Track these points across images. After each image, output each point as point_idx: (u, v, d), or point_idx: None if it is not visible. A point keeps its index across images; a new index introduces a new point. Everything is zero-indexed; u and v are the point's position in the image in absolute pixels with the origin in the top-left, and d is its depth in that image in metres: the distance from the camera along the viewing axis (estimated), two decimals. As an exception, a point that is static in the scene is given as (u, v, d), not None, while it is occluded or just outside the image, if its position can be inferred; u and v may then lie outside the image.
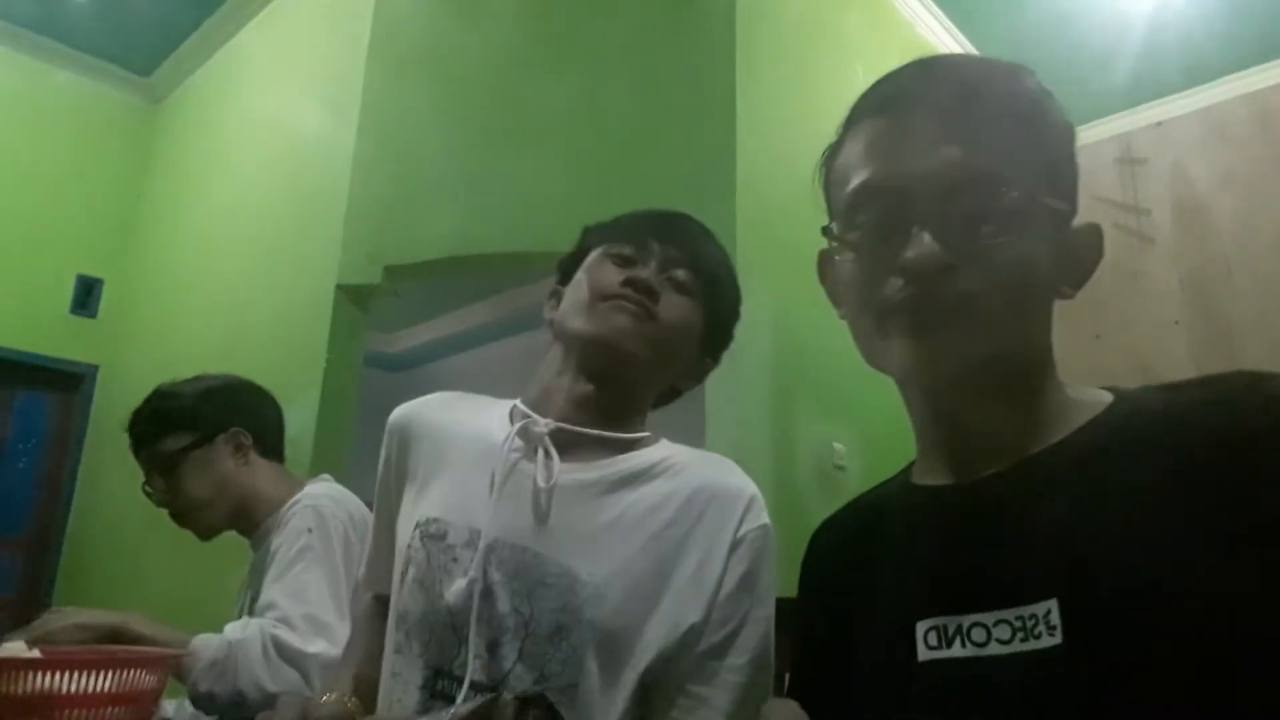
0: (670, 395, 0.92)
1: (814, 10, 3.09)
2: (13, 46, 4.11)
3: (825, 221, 0.63)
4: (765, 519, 0.78)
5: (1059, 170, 0.59)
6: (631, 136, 2.59)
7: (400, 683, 0.74)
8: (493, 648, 0.70)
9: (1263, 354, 3.31)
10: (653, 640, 0.71)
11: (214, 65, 4.12)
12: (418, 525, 0.78)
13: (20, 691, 0.78)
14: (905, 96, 0.59)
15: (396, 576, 0.79)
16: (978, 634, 0.53)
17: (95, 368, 4.21)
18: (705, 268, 0.87)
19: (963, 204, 0.55)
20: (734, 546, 0.75)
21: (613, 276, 0.82)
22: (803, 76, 2.85)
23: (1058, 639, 0.49)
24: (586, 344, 0.81)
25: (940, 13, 3.67)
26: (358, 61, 2.96)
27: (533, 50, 2.79)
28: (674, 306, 0.83)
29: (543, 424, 0.79)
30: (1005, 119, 0.57)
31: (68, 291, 4.17)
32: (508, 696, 0.54)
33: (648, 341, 0.80)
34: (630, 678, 0.70)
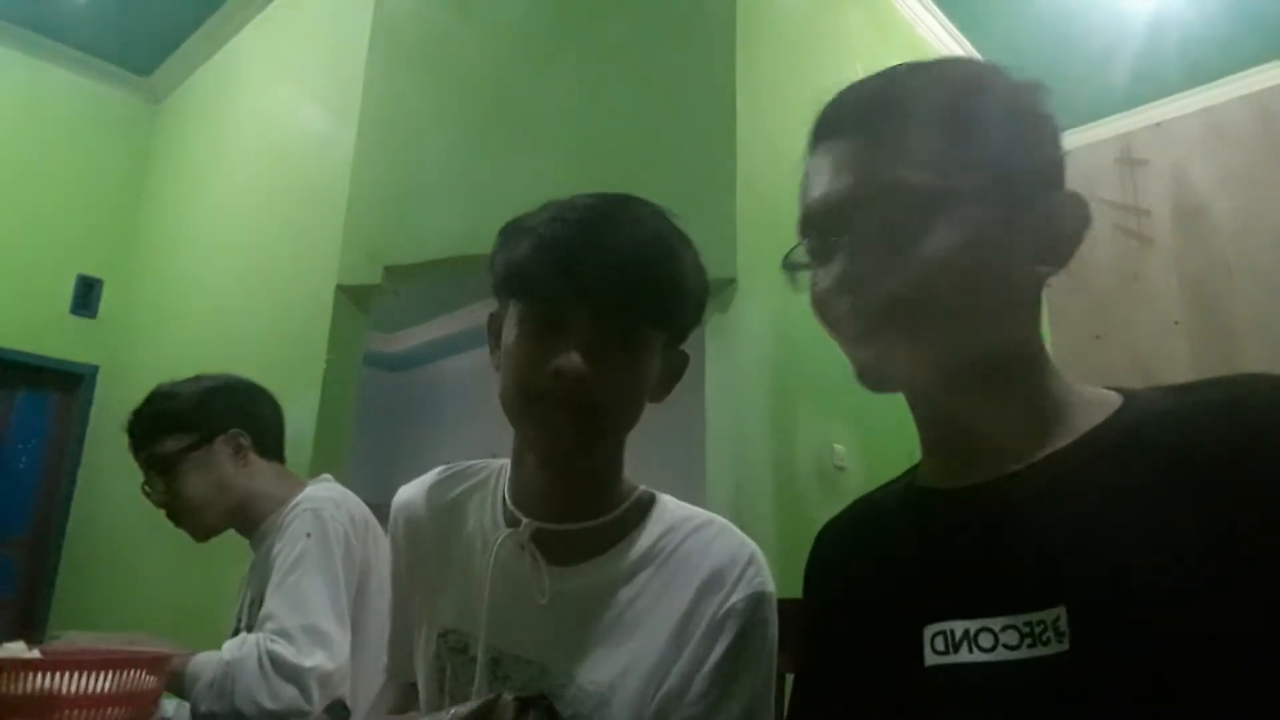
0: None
1: (814, 10, 3.09)
2: (13, 46, 4.11)
3: None
4: (758, 585, 0.72)
5: (1004, 152, 0.57)
6: (631, 136, 2.59)
7: None
8: None
9: (1263, 354, 3.31)
10: None
11: (214, 65, 4.12)
12: (440, 636, 0.78)
13: (20, 691, 0.78)
14: (825, 128, 0.62)
15: (434, 685, 0.78)
16: (985, 639, 0.52)
17: (95, 368, 4.21)
18: (650, 306, 0.72)
19: (876, 217, 0.56)
20: (722, 620, 0.71)
21: (536, 363, 0.69)
22: (803, 76, 2.85)
23: (1066, 645, 0.49)
24: (532, 447, 0.74)
25: (940, 13, 3.67)
26: (358, 61, 2.96)
27: (533, 49, 2.79)
28: (616, 381, 0.70)
29: (524, 527, 0.75)
30: (916, 120, 0.57)
31: (68, 291, 4.17)
32: (508, 697, 0.53)
33: (594, 434, 0.72)
34: None
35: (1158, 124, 4.00)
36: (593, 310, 0.69)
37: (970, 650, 0.53)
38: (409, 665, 0.83)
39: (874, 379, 0.59)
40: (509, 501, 0.79)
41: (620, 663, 0.70)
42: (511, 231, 0.75)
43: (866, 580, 0.64)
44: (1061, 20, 3.56)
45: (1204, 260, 3.60)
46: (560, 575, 0.74)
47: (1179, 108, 3.86)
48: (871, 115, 0.59)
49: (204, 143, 4.06)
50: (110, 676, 0.83)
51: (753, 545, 0.75)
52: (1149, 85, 3.81)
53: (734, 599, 0.71)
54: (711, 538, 0.75)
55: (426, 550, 0.83)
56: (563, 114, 2.67)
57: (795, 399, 2.53)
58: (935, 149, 0.56)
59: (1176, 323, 3.61)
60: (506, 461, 0.82)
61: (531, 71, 2.75)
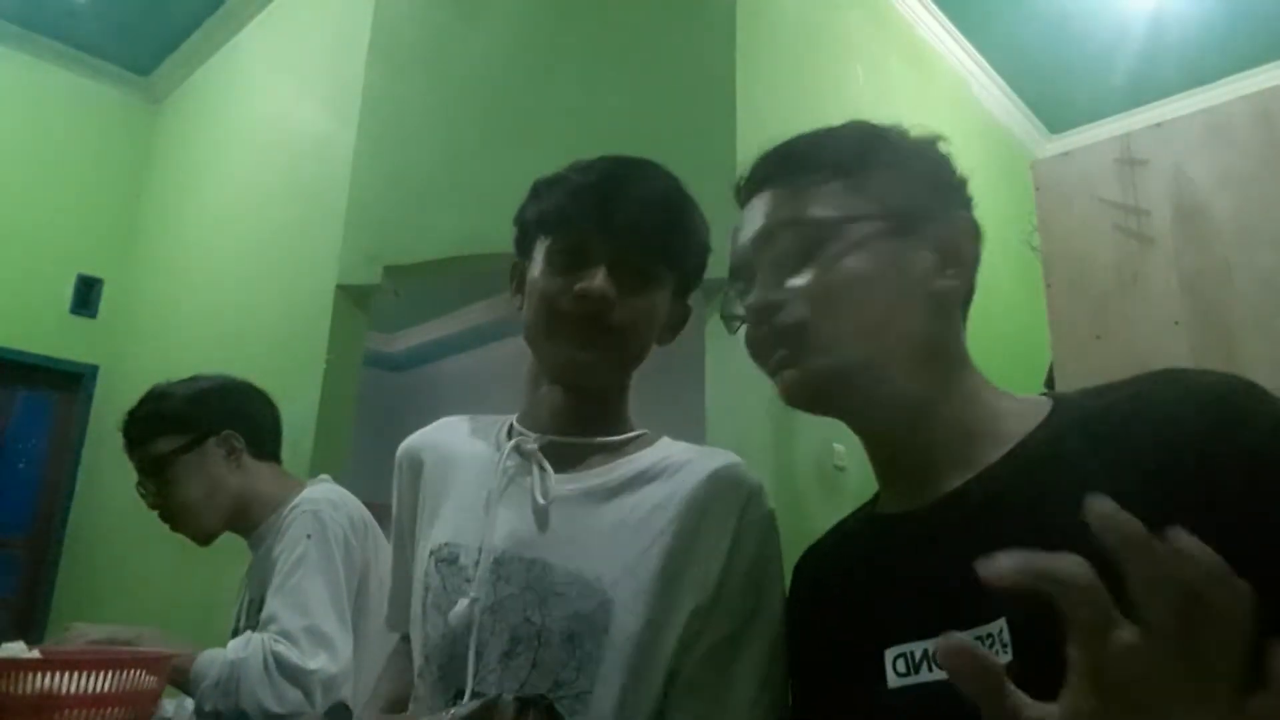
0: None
1: (814, 10, 3.09)
2: (12, 46, 4.11)
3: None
4: (768, 507, 0.76)
5: (893, 185, 0.63)
6: (631, 136, 2.59)
7: (424, 707, 0.74)
8: (508, 659, 0.70)
9: (1263, 354, 3.31)
10: (669, 639, 0.70)
11: (214, 65, 4.12)
12: (432, 553, 0.79)
13: (20, 691, 0.78)
14: (745, 188, 0.70)
15: (417, 605, 0.79)
16: None
17: (95, 368, 4.21)
18: (663, 245, 0.80)
19: (771, 253, 0.63)
20: (737, 535, 0.73)
21: (560, 288, 0.77)
22: (803, 76, 2.85)
23: (1010, 655, 0.50)
24: (550, 369, 0.81)
25: (940, 13, 3.67)
26: (358, 61, 2.96)
27: (533, 50, 2.79)
28: (632, 307, 0.77)
29: (533, 439, 0.79)
30: (816, 168, 0.64)
31: (68, 291, 4.17)
32: (508, 697, 0.53)
33: (610, 354, 0.78)
34: (654, 679, 0.69)
35: (1158, 124, 3.99)
36: (616, 244, 0.77)
37: (930, 669, 0.54)
38: (406, 615, 0.84)
39: (793, 398, 0.63)
40: (517, 426, 0.84)
41: (623, 561, 0.71)
42: (541, 186, 0.86)
43: (831, 606, 0.66)
44: (1061, 20, 3.56)
45: (1204, 260, 3.59)
46: (563, 480, 0.77)
47: (1179, 108, 3.86)
48: (777, 169, 0.67)
49: (204, 143, 4.06)
50: (110, 676, 0.83)
51: (756, 475, 0.78)
52: (1149, 85, 3.81)
53: (749, 516, 0.74)
54: (717, 458, 0.79)
55: (428, 483, 0.85)
56: (563, 114, 2.66)
57: (795, 399, 2.52)
58: (831, 190, 0.62)
59: (1176, 323, 3.61)
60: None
61: (531, 71, 2.75)
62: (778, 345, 0.62)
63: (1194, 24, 3.50)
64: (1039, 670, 0.47)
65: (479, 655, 0.71)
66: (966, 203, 0.65)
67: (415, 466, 0.87)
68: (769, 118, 2.63)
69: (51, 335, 4.09)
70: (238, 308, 3.33)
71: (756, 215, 0.66)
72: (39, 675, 0.79)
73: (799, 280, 0.61)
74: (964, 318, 0.66)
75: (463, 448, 0.86)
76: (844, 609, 0.64)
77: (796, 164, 0.66)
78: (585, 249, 0.78)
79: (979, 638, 0.51)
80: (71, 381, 4.19)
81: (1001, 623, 0.51)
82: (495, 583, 0.73)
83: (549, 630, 0.69)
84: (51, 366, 4.11)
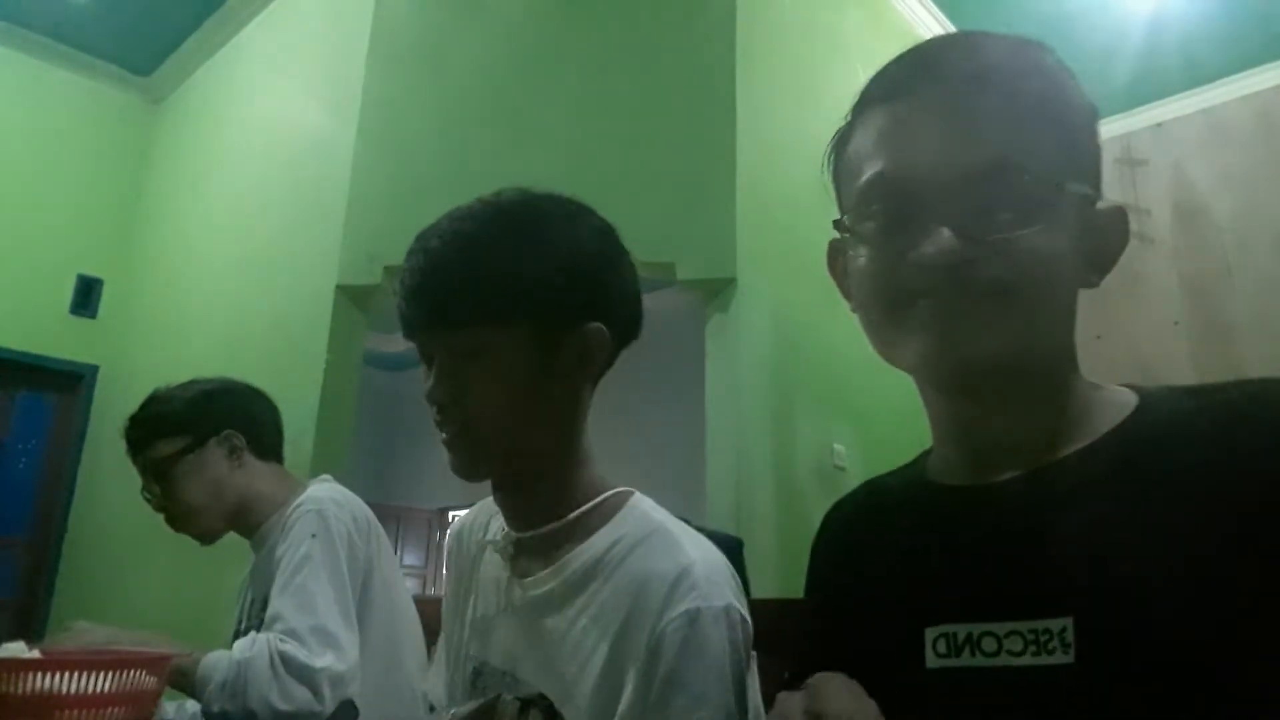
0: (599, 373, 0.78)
1: (814, 10, 3.09)
2: (13, 46, 4.11)
3: (825, 221, 0.63)
4: (696, 601, 0.63)
5: (1080, 153, 0.56)
6: (631, 137, 2.59)
7: None
8: None
9: (1263, 354, 3.31)
10: None
11: (214, 65, 4.12)
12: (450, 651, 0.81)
13: (20, 691, 0.78)
14: (916, 81, 0.57)
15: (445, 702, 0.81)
16: (988, 644, 0.51)
17: (95, 368, 4.20)
18: (457, 307, 0.71)
19: (980, 194, 0.52)
20: (652, 645, 0.63)
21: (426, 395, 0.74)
22: (803, 76, 2.85)
23: (1070, 658, 0.48)
24: None
25: (940, 13, 3.67)
26: (358, 61, 2.96)
27: (533, 50, 2.79)
28: (471, 384, 0.71)
29: (503, 537, 0.77)
30: (1021, 101, 0.54)
31: (68, 291, 4.17)
32: (508, 697, 0.53)
33: (475, 450, 0.72)
34: None
35: (1158, 124, 4.00)
36: (426, 337, 0.72)
37: (972, 654, 0.52)
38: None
39: (939, 364, 0.55)
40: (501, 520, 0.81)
41: (568, 677, 0.68)
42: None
43: (873, 575, 0.63)
44: (1061, 20, 3.56)
45: (1204, 260, 3.60)
46: (527, 584, 0.74)
47: (1179, 108, 3.86)
48: (977, 82, 0.55)
49: (204, 143, 4.05)
50: (110, 676, 0.82)
51: (689, 560, 0.66)
52: (1149, 85, 3.80)
53: (661, 624, 0.63)
54: (646, 554, 0.68)
55: (455, 576, 0.85)
56: (563, 114, 2.66)
57: (795, 399, 2.53)
58: (1038, 136, 0.53)
59: (1176, 323, 3.61)
60: None
61: (531, 72, 2.75)
62: (955, 305, 0.53)
63: (1194, 24, 3.49)
64: (1099, 676, 0.47)
65: None
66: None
67: (449, 557, 0.88)
68: (769, 118, 2.63)
69: (51, 335, 4.09)
70: (237, 308, 3.33)
71: (938, 134, 0.54)
72: (39, 675, 0.79)
73: (997, 239, 0.52)
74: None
75: (479, 544, 0.84)
76: (886, 578, 0.61)
77: (997, 83, 0.55)
78: (422, 350, 0.74)
79: (1035, 631, 0.49)
80: (71, 381, 4.19)
81: (1067, 621, 0.48)
82: (471, 693, 0.73)
83: None
84: (51, 366, 4.10)
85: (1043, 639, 0.49)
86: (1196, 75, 3.74)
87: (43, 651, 0.89)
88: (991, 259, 0.52)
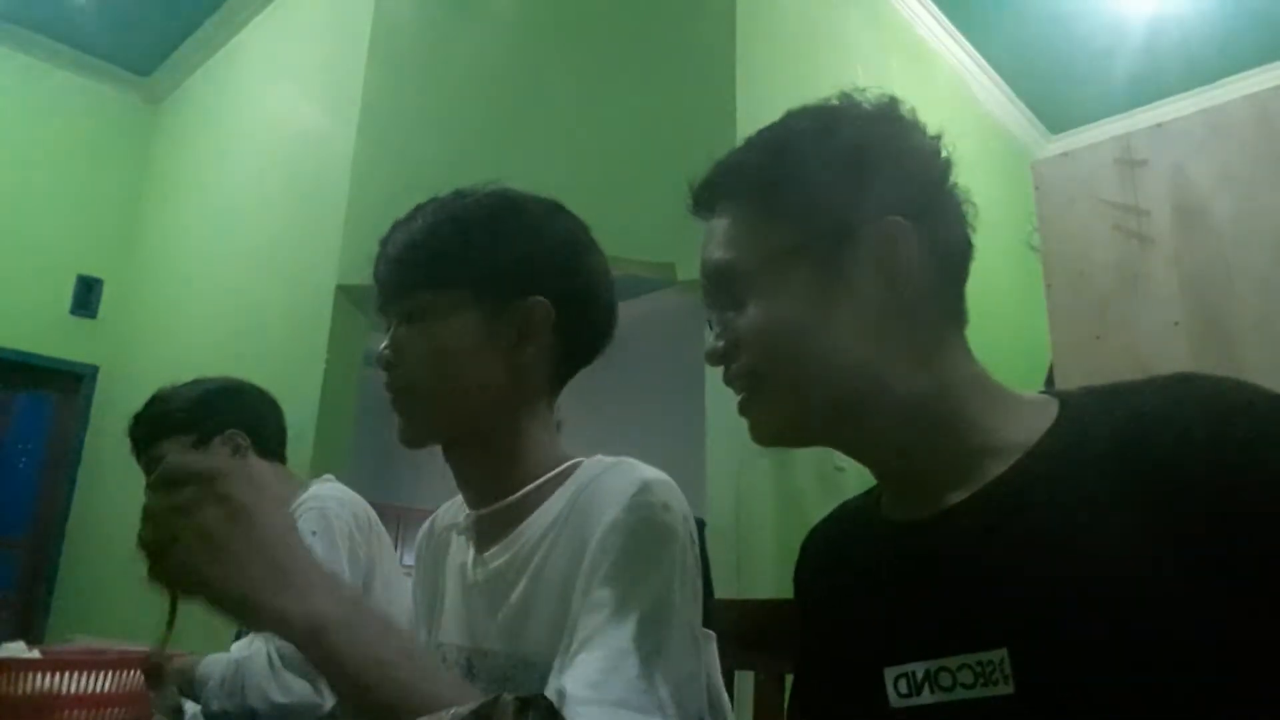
0: (572, 364, 0.79)
1: (814, 10, 3.09)
2: (13, 46, 4.11)
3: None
4: (653, 498, 0.65)
5: (811, 203, 0.58)
6: (631, 137, 2.59)
7: None
8: None
9: (1263, 354, 3.30)
10: None
11: (214, 65, 4.12)
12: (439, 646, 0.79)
13: (20, 691, 0.78)
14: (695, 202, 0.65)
15: None
16: (944, 679, 0.52)
17: (95, 368, 4.20)
18: (413, 275, 0.73)
19: (716, 295, 0.61)
20: (604, 534, 0.64)
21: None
22: (803, 76, 2.85)
23: (1011, 688, 0.48)
24: None
25: (940, 13, 3.67)
26: (358, 61, 2.96)
27: (533, 51, 2.79)
28: (414, 346, 0.72)
29: (464, 518, 0.77)
30: (737, 195, 0.61)
31: (68, 291, 4.17)
32: (508, 697, 0.53)
33: (413, 415, 0.73)
34: None
35: (1158, 124, 3.99)
36: (383, 306, 0.75)
37: (931, 691, 0.52)
38: None
39: (759, 439, 0.61)
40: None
41: (539, 631, 0.68)
42: None
43: (835, 607, 0.64)
44: (1061, 20, 3.56)
45: (1204, 260, 3.59)
46: (486, 559, 0.74)
47: (1179, 108, 3.86)
48: (706, 193, 0.63)
49: (204, 143, 4.05)
50: (110, 676, 0.83)
51: (648, 475, 0.68)
52: (1149, 85, 3.81)
53: (615, 513, 0.64)
54: (602, 480, 0.70)
55: (429, 564, 0.85)
56: (563, 114, 2.66)
57: (795, 399, 2.52)
58: (749, 220, 0.59)
59: (1176, 323, 3.60)
60: None
61: (531, 72, 2.75)
62: (738, 390, 0.60)
63: (1194, 24, 3.50)
64: (1039, 704, 0.47)
65: None
66: (902, 193, 0.58)
67: (419, 547, 0.88)
68: (769, 118, 2.63)
69: (51, 335, 4.08)
70: (238, 308, 3.33)
71: (707, 240, 0.63)
72: (39, 675, 0.79)
73: (736, 327, 0.58)
74: (954, 312, 0.59)
75: (444, 523, 0.85)
76: (845, 618, 0.62)
77: (721, 190, 0.63)
78: (385, 325, 0.76)
79: (980, 663, 0.50)
80: (71, 381, 4.19)
81: (1003, 652, 0.49)
82: (469, 680, 0.72)
83: None
84: (51, 366, 4.10)
85: (988, 669, 0.49)
86: (1196, 75, 3.75)
87: (43, 651, 0.89)
88: (735, 350, 0.59)
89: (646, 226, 2.02)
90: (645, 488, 0.66)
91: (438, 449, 0.77)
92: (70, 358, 4.15)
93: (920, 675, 0.53)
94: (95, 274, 4.25)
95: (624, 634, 0.59)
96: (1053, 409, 0.55)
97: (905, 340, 0.56)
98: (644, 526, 0.64)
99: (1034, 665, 0.48)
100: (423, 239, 0.74)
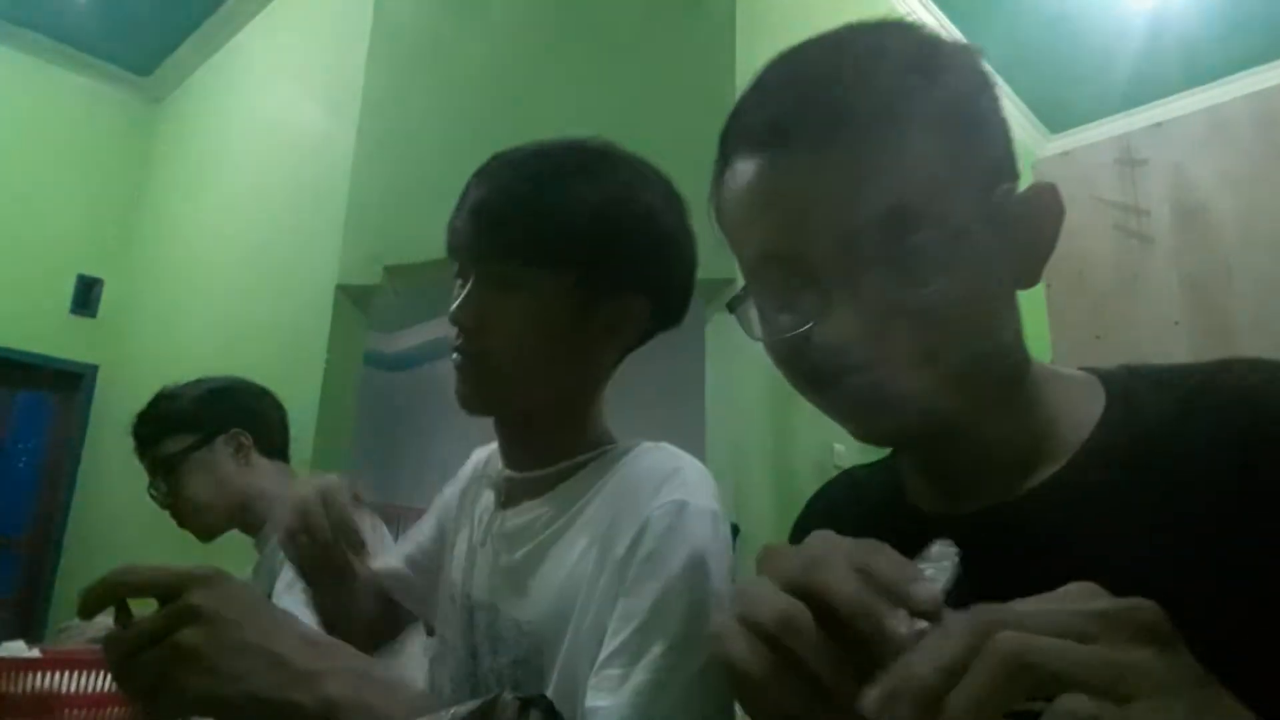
0: (640, 339, 0.76)
1: (814, 10, 3.09)
2: (13, 46, 4.11)
3: None
4: (686, 495, 0.62)
5: (985, 147, 0.49)
6: (631, 137, 2.58)
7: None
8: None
9: (1262, 354, 3.30)
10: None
11: (214, 65, 4.12)
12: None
13: (20, 691, 0.78)
14: (779, 129, 0.50)
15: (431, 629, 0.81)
16: None
17: (95, 367, 4.20)
18: (508, 241, 0.68)
19: (872, 255, 0.45)
20: (636, 533, 0.61)
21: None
22: (803, 76, 2.85)
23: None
24: None
25: (940, 12, 3.67)
26: (358, 61, 2.96)
27: (533, 50, 2.79)
28: (496, 314, 0.68)
29: (496, 474, 0.77)
30: (900, 125, 0.46)
31: (68, 291, 4.17)
32: (508, 696, 0.53)
33: (482, 384, 0.70)
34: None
35: (1158, 124, 3.99)
36: (470, 257, 0.70)
37: None
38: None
39: (882, 433, 0.52)
40: (495, 457, 0.81)
41: (548, 601, 0.66)
42: None
43: None
44: (1061, 20, 3.56)
45: (1204, 260, 3.60)
46: (507, 517, 0.73)
47: (1179, 108, 3.86)
48: (848, 114, 0.47)
49: (204, 143, 4.06)
50: (110, 676, 0.83)
51: (682, 463, 0.66)
52: (1149, 85, 3.81)
53: (648, 510, 0.62)
54: (637, 459, 0.68)
55: (458, 496, 0.85)
56: (563, 114, 2.66)
57: (795, 398, 2.50)
58: (929, 155, 0.46)
59: (1176, 323, 3.61)
60: None
61: (531, 71, 2.75)
62: (863, 387, 0.48)
63: (1194, 24, 3.50)
64: None
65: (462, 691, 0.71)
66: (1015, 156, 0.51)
67: (466, 472, 0.87)
68: (769, 117, 2.63)
69: (51, 335, 4.09)
70: (238, 308, 3.33)
71: (813, 193, 0.47)
72: (39, 675, 0.79)
73: (914, 300, 0.45)
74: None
75: (479, 470, 0.85)
76: None
77: (868, 115, 0.46)
78: (460, 269, 0.72)
79: None
80: (71, 381, 4.19)
81: None
82: (469, 625, 0.73)
83: (503, 677, 0.68)
84: (51, 366, 4.10)
85: None
86: (1197, 74, 3.74)
87: (43, 651, 0.89)
88: (903, 326, 0.46)
89: (646, 226, 2.02)
90: (680, 483, 0.64)
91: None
92: (70, 357, 4.15)
93: None
94: (95, 274, 4.25)
95: (658, 651, 0.57)
96: (1099, 399, 0.51)
97: (1017, 312, 0.51)
98: (676, 533, 0.61)
99: None
100: (530, 202, 0.69)
